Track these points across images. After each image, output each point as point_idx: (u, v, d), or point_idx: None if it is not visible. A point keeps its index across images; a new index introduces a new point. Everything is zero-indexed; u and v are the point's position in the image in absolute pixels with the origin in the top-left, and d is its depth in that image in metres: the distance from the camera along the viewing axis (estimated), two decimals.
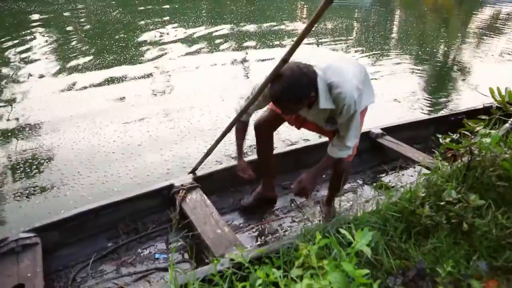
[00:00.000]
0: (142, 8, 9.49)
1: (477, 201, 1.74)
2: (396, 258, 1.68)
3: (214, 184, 2.53)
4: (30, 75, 5.20)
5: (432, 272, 1.58)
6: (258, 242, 2.31)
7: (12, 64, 5.65)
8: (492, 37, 8.63)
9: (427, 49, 7.24)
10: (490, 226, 1.72)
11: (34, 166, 3.17)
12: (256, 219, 2.53)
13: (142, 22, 8.03)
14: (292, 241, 1.63)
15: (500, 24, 10.24)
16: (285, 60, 1.68)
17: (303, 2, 11.34)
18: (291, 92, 1.67)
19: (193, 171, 2.52)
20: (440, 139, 2.16)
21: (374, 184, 2.07)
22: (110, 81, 5.01)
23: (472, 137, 2.07)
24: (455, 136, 2.13)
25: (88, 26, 7.70)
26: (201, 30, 7.62)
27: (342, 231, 1.44)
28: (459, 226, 1.74)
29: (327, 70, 1.74)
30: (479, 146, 1.93)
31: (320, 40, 7.21)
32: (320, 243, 1.34)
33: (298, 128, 2.18)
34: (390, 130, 3.05)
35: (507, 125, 2.50)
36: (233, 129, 2.19)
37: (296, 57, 1.72)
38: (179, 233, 2.30)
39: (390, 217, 1.82)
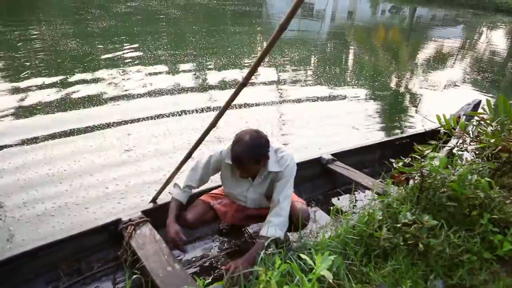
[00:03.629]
0: (100, 38, 9.40)
1: (430, 222, 1.83)
2: (358, 282, 1.71)
3: (164, 217, 2.38)
4: None
5: None
6: (213, 275, 2.25)
7: None
8: (437, 68, 9.33)
9: (380, 79, 7.69)
10: (444, 245, 1.80)
11: None
12: (210, 250, 2.49)
13: (100, 52, 7.93)
14: (252, 270, 1.59)
15: (444, 56, 11.12)
16: (243, 84, 1.75)
17: (261, 36, 11.74)
18: (252, 152, 1.93)
19: (153, 200, 2.47)
20: (393, 163, 2.25)
21: (330, 208, 2.10)
22: (63, 110, 4.83)
23: (423, 160, 2.18)
24: (407, 160, 2.23)
25: (42, 54, 7.48)
26: (161, 60, 7.63)
27: (303, 256, 1.44)
28: (415, 247, 1.81)
29: (272, 142, 2.10)
30: (429, 169, 2.03)
31: (280, 74, 7.43)
32: (280, 269, 1.33)
33: (230, 222, 2.38)
34: (339, 156, 3.18)
35: (446, 147, 2.66)
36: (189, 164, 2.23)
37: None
38: (127, 271, 2.15)
39: (349, 241, 1.85)
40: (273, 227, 1.97)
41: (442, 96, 7.06)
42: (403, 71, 8.94)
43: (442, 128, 2.89)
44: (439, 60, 10.40)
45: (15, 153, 3.67)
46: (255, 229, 2.64)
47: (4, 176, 3.28)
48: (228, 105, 1.85)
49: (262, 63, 1.72)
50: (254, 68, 1.71)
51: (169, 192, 2.33)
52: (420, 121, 5.37)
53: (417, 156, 2.32)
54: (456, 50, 12.28)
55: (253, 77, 1.75)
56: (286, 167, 2.05)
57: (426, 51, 11.87)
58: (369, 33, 15.47)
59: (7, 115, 4.54)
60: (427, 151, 2.35)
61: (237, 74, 7.01)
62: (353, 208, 2.58)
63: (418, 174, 2.07)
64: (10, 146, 3.78)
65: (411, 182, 2.21)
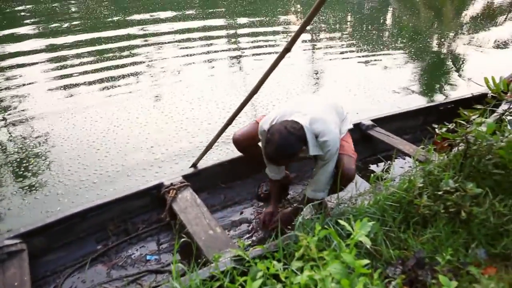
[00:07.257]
0: (133, 5, 9.45)
1: (474, 190, 1.77)
2: (395, 248, 1.72)
3: (204, 181, 2.54)
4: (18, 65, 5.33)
5: (431, 261, 1.60)
6: (253, 238, 2.33)
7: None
8: (486, 28, 8.65)
9: (421, 40, 7.27)
10: (487, 214, 1.76)
11: (24, 164, 3.21)
12: (249, 214, 2.56)
13: (134, 18, 8.02)
14: (291, 234, 1.63)
15: (494, 14, 10.27)
16: (287, 49, 1.73)
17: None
18: (282, 152, 1.88)
19: (194, 165, 2.57)
20: (436, 129, 2.17)
21: (369, 175, 2.08)
22: (100, 76, 5.03)
23: (468, 126, 2.08)
24: (450, 126, 2.14)
25: (79, 22, 7.68)
26: (194, 25, 7.59)
27: (341, 222, 1.45)
28: (457, 215, 1.77)
29: (313, 122, 1.97)
30: (475, 135, 1.94)
31: (315, 36, 7.17)
32: (319, 235, 1.35)
33: None
34: (380, 121, 3.11)
35: (496, 113, 2.51)
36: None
37: (283, 107, 2.05)
38: (170, 233, 2.30)
39: (388, 208, 1.84)
40: (311, 190, 2.12)
41: (490, 58, 6.57)
42: (447, 30, 8.37)
43: (490, 92, 2.73)
44: (487, 18, 9.62)
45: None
46: (294, 195, 2.68)
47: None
48: (271, 70, 1.85)
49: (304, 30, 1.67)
50: (297, 35, 1.69)
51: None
52: (465, 85, 5.08)
53: (462, 122, 2.22)
54: (508, 5, 11.28)
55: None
56: (328, 151, 1.99)
57: (474, 9, 11.00)
58: None
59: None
60: (473, 117, 2.23)
61: (271, 38, 6.85)
62: (393, 175, 2.54)
63: (463, 140, 1.99)
64: None
65: (454, 149, 2.12)
